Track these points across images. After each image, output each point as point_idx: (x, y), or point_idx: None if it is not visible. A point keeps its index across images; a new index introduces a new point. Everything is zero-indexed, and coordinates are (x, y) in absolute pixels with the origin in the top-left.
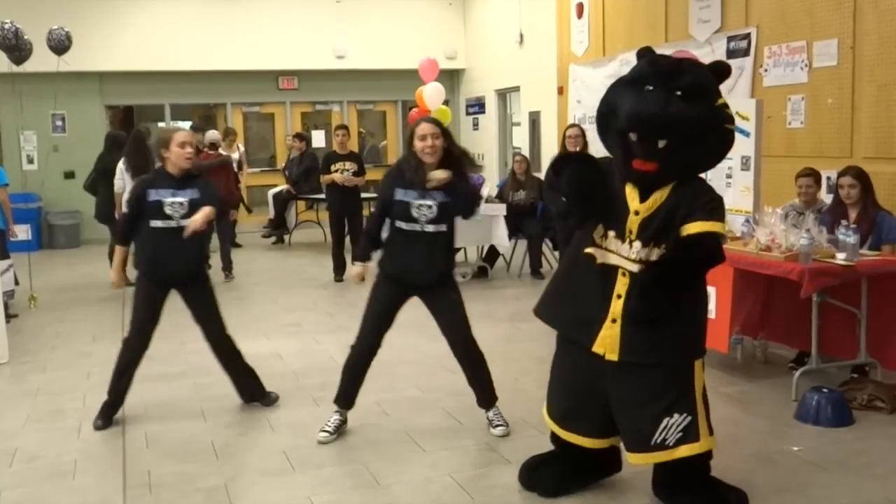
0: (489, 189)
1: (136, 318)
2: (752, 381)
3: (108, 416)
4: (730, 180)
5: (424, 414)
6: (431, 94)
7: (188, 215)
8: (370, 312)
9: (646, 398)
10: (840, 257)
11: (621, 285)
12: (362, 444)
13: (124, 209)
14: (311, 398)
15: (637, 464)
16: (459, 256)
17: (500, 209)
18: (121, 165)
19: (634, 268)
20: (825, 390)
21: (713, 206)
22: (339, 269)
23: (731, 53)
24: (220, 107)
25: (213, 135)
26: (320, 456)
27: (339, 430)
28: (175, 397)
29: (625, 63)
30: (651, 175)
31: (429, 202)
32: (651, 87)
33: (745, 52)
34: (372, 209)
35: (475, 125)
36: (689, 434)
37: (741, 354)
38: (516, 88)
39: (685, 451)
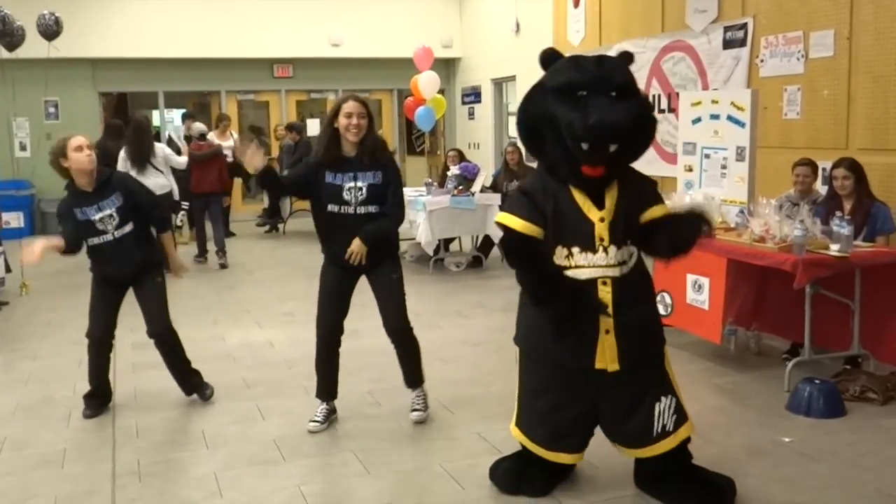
0: (485, 178)
1: (93, 313)
2: (744, 372)
3: (94, 406)
4: (724, 171)
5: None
6: (426, 83)
7: (122, 223)
8: (322, 299)
9: (640, 393)
10: (834, 248)
11: (604, 294)
12: (353, 433)
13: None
14: (302, 387)
15: (638, 456)
16: (454, 246)
17: (495, 199)
18: (122, 154)
19: (615, 272)
20: (817, 382)
21: (656, 192)
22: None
23: (728, 44)
24: (215, 94)
25: (199, 127)
26: (310, 445)
27: (329, 419)
28: (166, 386)
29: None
30: (599, 179)
31: (359, 184)
32: (585, 93)
33: (742, 43)
34: None
35: (471, 114)
36: (681, 414)
37: (734, 345)
38: (512, 78)
39: (685, 431)
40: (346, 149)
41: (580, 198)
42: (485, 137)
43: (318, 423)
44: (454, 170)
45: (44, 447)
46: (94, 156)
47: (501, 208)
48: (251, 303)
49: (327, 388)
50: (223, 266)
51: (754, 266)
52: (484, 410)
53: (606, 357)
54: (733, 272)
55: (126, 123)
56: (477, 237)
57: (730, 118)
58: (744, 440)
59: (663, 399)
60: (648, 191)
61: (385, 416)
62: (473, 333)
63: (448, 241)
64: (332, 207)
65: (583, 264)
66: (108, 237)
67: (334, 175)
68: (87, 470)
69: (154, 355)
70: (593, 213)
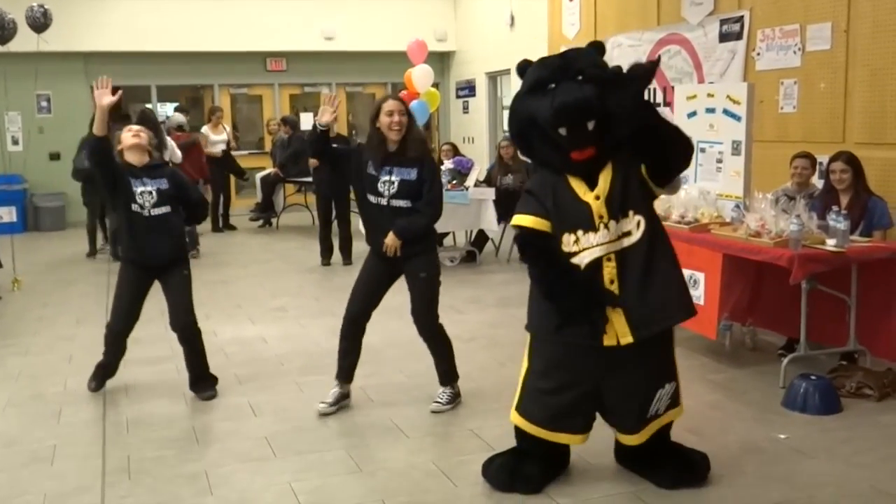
0: (479, 173)
1: (118, 304)
2: (739, 367)
3: (101, 378)
4: (720, 165)
5: (409, 400)
6: (420, 77)
7: (159, 204)
8: (358, 283)
9: (650, 374)
10: (830, 243)
11: (609, 270)
12: (345, 429)
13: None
14: (294, 383)
15: (631, 444)
16: (448, 241)
17: (489, 193)
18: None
19: (618, 245)
20: (813, 378)
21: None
22: (327, 252)
23: (724, 37)
24: (208, 88)
25: (178, 118)
26: (302, 442)
27: (340, 404)
28: (157, 381)
29: (616, 45)
30: (591, 161)
31: (392, 178)
32: (553, 85)
33: (738, 36)
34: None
35: (465, 108)
36: (675, 400)
37: (729, 341)
38: (507, 71)
39: (671, 415)
40: (388, 145)
41: (576, 184)
42: (479, 131)
43: (326, 405)
44: (448, 164)
45: (33, 444)
46: (144, 137)
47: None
48: (244, 298)
49: (342, 368)
50: (192, 256)
51: (750, 261)
52: (477, 407)
53: (617, 331)
54: (729, 267)
55: (120, 117)
56: (471, 232)
57: (726, 112)
58: (739, 437)
59: (667, 386)
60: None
61: (377, 413)
62: (467, 329)
63: (442, 236)
64: (371, 198)
65: (588, 246)
66: (144, 213)
67: (374, 167)
68: (76, 467)
69: (146, 351)
70: (588, 196)
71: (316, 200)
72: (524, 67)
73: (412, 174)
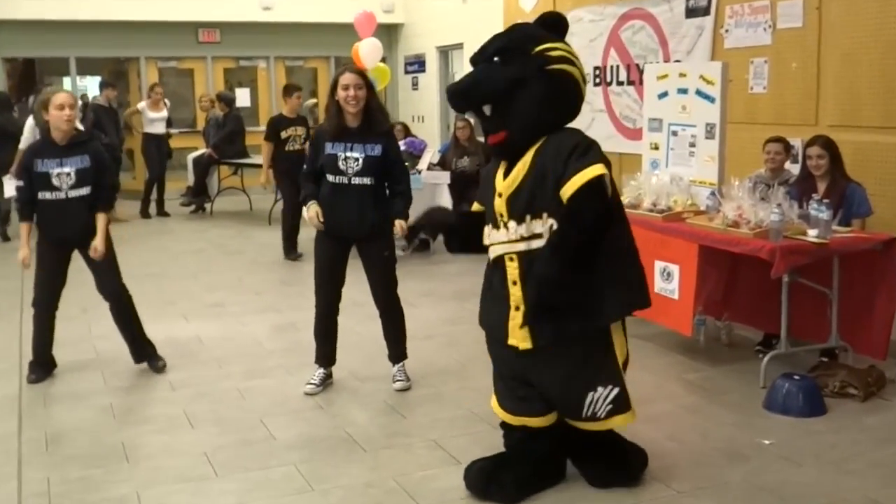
0: (431, 155)
1: (39, 280)
2: (716, 366)
3: (40, 371)
4: (693, 149)
5: (364, 407)
6: (368, 51)
7: (77, 185)
8: (318, 271)
9: (567, 377)
10: (812, 234)
11: (512, 271)
12: (293, 443)
13: (17, 182)
14: (235, 390)
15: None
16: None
17: (444, 177)
18: (30, 123)
19: (520, 247)
20: (796, 377)
21: (581, 151)
22: (293, 245)
23: (691, 12)
24: (133, 61)
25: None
26: (246, 458)
27: (325, 384)
28: (80, 390)
29: (577, 20)
30: (505, 145)
31: (355, 154)
32: (473, 67)
33: (706, 11)
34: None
35: (414, 85)
36: (620, 405)
37: (704, 336)
38: (459, 45)
39: (619, 420)
40: (347, 120)
41: (500, 173)
42: (430, 110)
43: (314, 386)
44: (399, 145)
45: None
46: (73, 116)
47: None
48: (175, 293)
49: (326, 354)
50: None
51: (726, 253)
52: (438, 413)
53: (518, 335)
54: (704, 259)
55: (34, 92)
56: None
57: (699, 93)
58: (721, 443)
59: (600, 389)
60: (566, 156)
61: (329, 423)
62: (422, 326)
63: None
64: (330, 178)
65: (495, 241)
66: (61, 195)
67: (332, 144)
68: None
69: (67, 354)
70: (498, 188)
71: (281, 186)
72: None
73: (377, 150)
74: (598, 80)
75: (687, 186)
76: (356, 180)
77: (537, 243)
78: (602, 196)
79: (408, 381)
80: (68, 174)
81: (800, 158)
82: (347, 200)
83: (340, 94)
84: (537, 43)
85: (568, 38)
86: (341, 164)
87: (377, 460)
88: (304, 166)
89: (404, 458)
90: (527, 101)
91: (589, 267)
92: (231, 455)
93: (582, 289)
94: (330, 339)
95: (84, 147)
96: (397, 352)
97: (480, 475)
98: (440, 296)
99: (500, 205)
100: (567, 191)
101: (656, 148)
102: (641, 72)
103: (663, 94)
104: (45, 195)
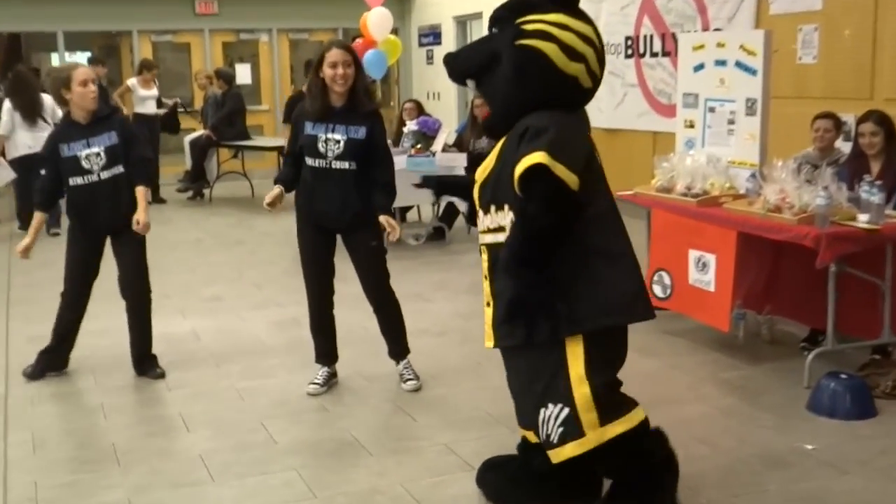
0: (447, 135)
1: (71, 270)
2: (756, 364)
3: (44, 362)
4: (732, 127)
5: (370, 409)
6: (377, 22)
7: (109, 165)
8: (304, 264)
9: (524, 386)
10: (862, 219)
11: (483, 264)
12: (295, 446)
13: (42, 171)
14: (234, 389)
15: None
16: (412, 215)
17: (460, 159)
18: (7, 106)
19: (487, 239)
20: (843, 377)
21: (531, 136)
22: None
23: None
24: (125, 35)
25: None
26: (245, 462)
27: (329, 383)
28: (69, 390)
29: None
30: (489, 125)
31: (336, 136)
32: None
33: None
34: None
35: (429, 58)
36: (569, 429)
37: (743, 332)
38: (478, 15)
39: (570, 450)
40: (332, 99)
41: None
42: (446, 86)
43: (317, 386)
44: (411, 125)
45: None
46: (97, 92)
47: None
48: (171, 286)
49: (326, 351)
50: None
51: (768, 240)
52: (451, 416)
53: (486, 330)
54: (744, 247)
55: (13, 70)
56: (438, 205)
57: (738, 65)
58: (759, 448)
59: (550, 406)
60: (519, 137)
61: (333, 425)
62: (436, 321)
63: (404, 211)
64: (309, 161)
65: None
66: (93, 177)
67: (313, 125)
68: None
69: None
70: (477, 173)
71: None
72: None
73: (360, 133)
74: (630, 52)
75: (725, 168)
76: (337, 164)
77: (502, 236)
78: (544, 187)
79: (418, 380)
80: (98, 154)
81: (852, 136)
82: (327, 186)
83: (327, 71)
84: (524, 13)
85: (598, 6)
86: (321, 147)
87: (384, 465)
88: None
89: (413, 464)
90: (500, 78)
91: (561, 266)
92: (228, 459)
93: (547, 290)
94: (326, 334)
95: (109, 123)
96: (397, 349)
97: (498, 478)
98: (455, 289)
99: (476, 192)
100: (516, 181)
101: (691, 126)
102: (678, 42)
103: (699, 67)
104: (77, 180)
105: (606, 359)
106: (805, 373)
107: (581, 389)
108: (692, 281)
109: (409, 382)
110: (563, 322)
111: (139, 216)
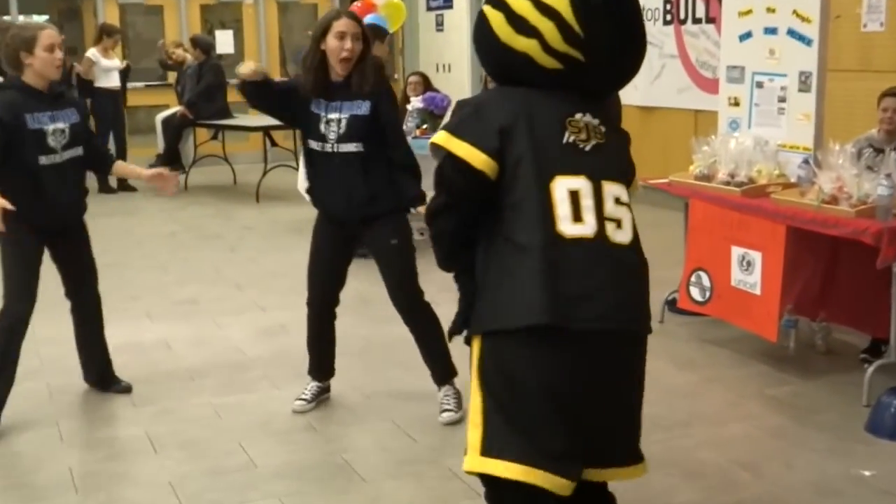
0: None
1: (13, 282)
2: (808, 378)
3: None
4: (783, 105)
5: (366, 428)
6: None
7: (71, 144)
8: (314, 261)
9: None
10: None
11: None
12: (278, 471)
13: None
14: (209, 405)
15: None
16: None
17: None
18: None
19: None
20: None
21: (451, 113)
22: None
23: None
24: None
25: None
26: (221, 489)
27: (319, 398)
28: (21, 406)
29: None
30: None
31: (337, 115)
32: None
33: None
34: None
35: (439, 25)
36: (471, 448)
37: (795, 342)
38: None
39: (465, 462)
40: (333, 74)
41: None
42: (458, 57)
43: (304, 402)
44: (416, 102)
45: None
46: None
47: None
48: (139, 286)
49: (320, 365)
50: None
51: (822, 236)
52: (456, 436)
53: None
54: (795, 244)
55: None
56: None
57: (791, 33)
58: (810, 474)
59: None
60: None
61: (323, 448)
62: (443, 328)
63: None
64: (312, 144)
65: None
66: (56, 158)
67: (318, 102)
68: None
69: None
70: None
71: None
72: None
73: (364, 108)
74: (669, 17)
75: (774, 152)
76: (340, 147)
77: None
78: (439, 167)
79: (457, 412)
80: (62, 131)
81: None
82: (332, 174)
83: (332, 43)
84: None
85: None
86: (323, 128)
87: (380, 492)
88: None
89: (413, 490)
90: None
91: (481, 261)
92: (202, 486)
93: (463, 285)
94: (323, 345)
95: (66, 98)
96: (436, 369)
97: None
98: None
99: None
100: None
101: (736, 104)
102: (722, 5)
103: (746, 35)
104: (42, 160)
105: (502, 372)
106: (864, 388)
107: (474, 400)
108: (735, 282)
109: (444, 414)
110: (472, 318)
111: (147, 174)
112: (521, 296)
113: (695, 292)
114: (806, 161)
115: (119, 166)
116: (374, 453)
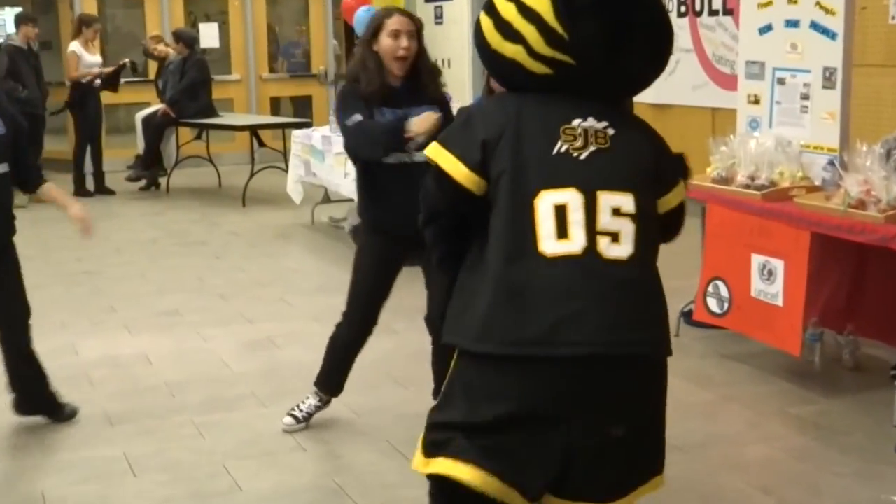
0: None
1: None
2: (834, 396)
3: None
4: (806, 103)
5: (359, 449)
6: None
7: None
8: (362, 274)
9: None
10: None
11: None
12: (265, 495)
13: None
14: (192, 424)
15: None
16: None
17: None
18: None
19: None
20: None
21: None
22: None
23: None
24: None
25: None
26: None
27: (312, 417)
28: None
29: None
30: None
31: None
32: None
33: None
34: None
35: (438, 17)
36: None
37: (820, 357)
38: None
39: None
40: (390, 79)
41: None
42: (458, 51)
43: (293, 421)
44: None
45: None
46: None
47: None
48: (117, 296)
49: (332, 381)
50: None
51: (849, 243)
52: None
53: None
54: (819, 251)
55: None
56: None
57: (814, 26)
58: (836, 500)
59: None
60: None
61: (313, 470)
62: None
63: None
64: (388, 157)
65: None
66: None
67: (381, 111)
68: None
69: None
70: None
71: None
72: None
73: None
74: (683, 9)
75: (797, 153)
76: (417, 157)
77: None
78: (430, 178)
79: None
80: None
81: None
82: (410, 188)
83: (387, 43)
84: None
85: None
86: None
87: None
88: (355, 117)
89: None
90: None
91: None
92: None
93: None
94: (343, 365)
95: None
96: (439, 388)
97: None
98: None
99: None
100: None
101: (756, 101)
102: None
103: (766, 29)
104: None
105: (461, 381)
106: (895, 407)
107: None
108: (755, 293)
109: None
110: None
111: (74, 210)
112: (476, 317)
113: (712, 304)
114: (831, 162)
115: (46, 189)
116: (368, 476)
